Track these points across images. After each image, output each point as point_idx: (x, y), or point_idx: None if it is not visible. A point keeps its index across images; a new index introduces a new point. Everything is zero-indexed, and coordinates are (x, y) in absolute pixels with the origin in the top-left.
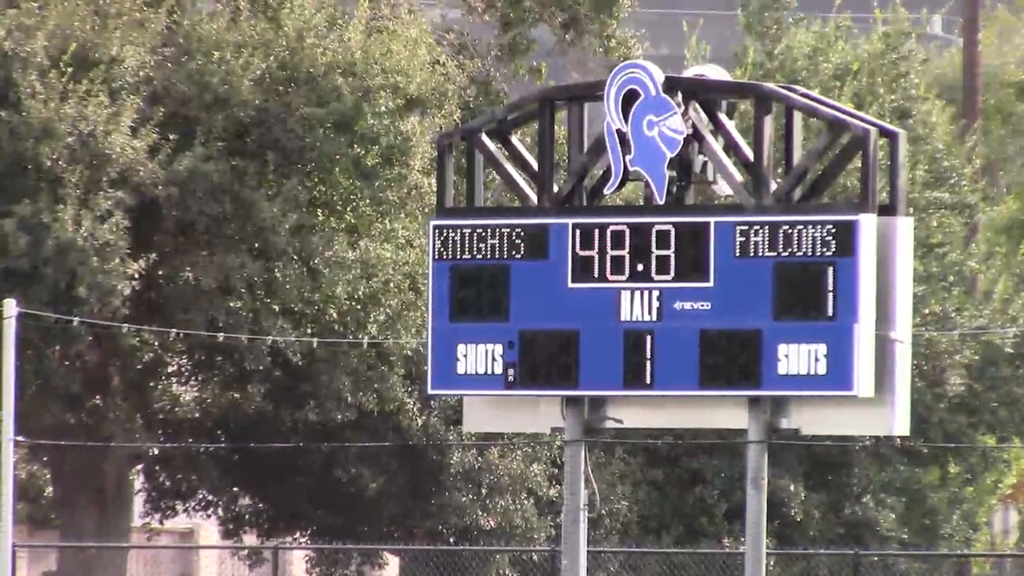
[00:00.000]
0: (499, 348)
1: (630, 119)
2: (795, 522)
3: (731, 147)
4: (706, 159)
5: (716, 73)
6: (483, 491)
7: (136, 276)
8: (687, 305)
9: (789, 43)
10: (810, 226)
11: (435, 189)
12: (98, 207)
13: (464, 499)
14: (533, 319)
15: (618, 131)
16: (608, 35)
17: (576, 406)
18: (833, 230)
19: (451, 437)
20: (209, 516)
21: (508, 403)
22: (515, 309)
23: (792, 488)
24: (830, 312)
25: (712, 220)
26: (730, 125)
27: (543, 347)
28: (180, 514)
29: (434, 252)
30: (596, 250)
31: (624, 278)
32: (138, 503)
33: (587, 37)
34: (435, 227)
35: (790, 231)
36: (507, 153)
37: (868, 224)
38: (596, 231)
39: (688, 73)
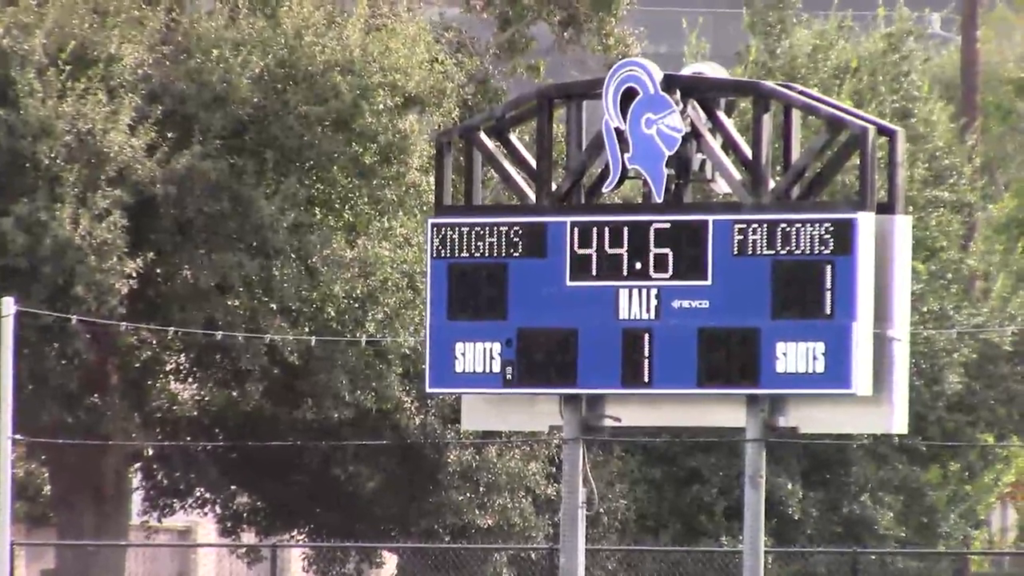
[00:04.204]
0: (497, 346)
1: (628, 117)
2: (793, 520)
3: (729, 145)
4: (704, 157)
5: (715, 71)
6: (481, 489)
7: (134, 274)
8: (685, 303)
9: (791, 41)
10: (808, 224)
11: (433, 187)
12: (96, 205)
13: (462, 497)
14: (531, 317)
15: (616, 129)
16: (607, 33)
17: (574, 404)
18: (831, 228)
19: (449, 435)
20: (207, 514)
21: (506, 401)
22: (513, 307)
23: (790, 486)
24: (828, 310)
25: (710, 218)
26: (729, 123)
27: (541, 345)
28: (178, 512)
29: (432, 250)
30: (594, 248)
31: (622, 276)
32: (136, 501)
33: (586, 35)
34: (433, 225)
35: (788, 229)
36: (505, 151)
37: (866, 222)
38: (594, 229)
39: (687, 71)
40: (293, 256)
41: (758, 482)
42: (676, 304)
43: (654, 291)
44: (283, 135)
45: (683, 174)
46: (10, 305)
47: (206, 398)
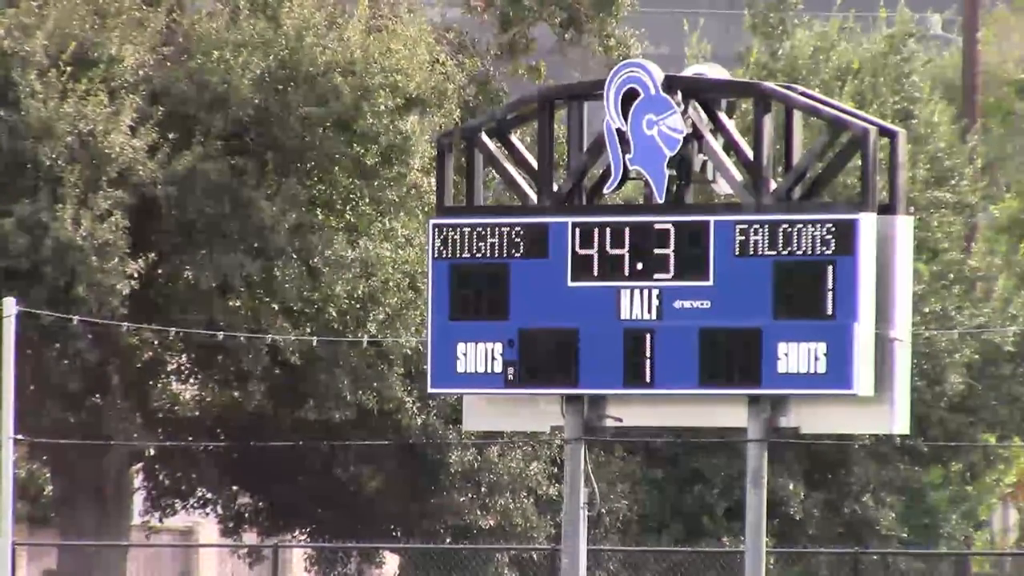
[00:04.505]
0: (499, 347)
1: (630, 118)
2: (795, 521)
3: (731, 146)
4: (706, 158)
5: (716, 72)
6: (483, 490)
7: (135, 275)
8: (687, 304)
9: (792, 43)
10: (810, 225)
11: (435, 188)
12: (97, 206)
13: (463, 498)
14: (533, 318)
15: (618, 130)
16: (608, 34)
17: (576, 404)
18: (833, 229)
19: (451, 436)
20: (208, 514)
21: (508, 401)
22: (515, 308)
23: (792, 487)
24: (830, 311)
25: (712, 219)
26: (730, 124)
27: (543, 346)
28: (179, 512)
29: (434, 251)
30: (596, 249)
31: (624, 277)
32: (138, 501)
33: (587, 36)
34: (435, 226)
35: (790, 230)
36: (507, 152)
37: (868, 223)
38: (596, 230)
39: (688, 72)
40: (294, 257)
41: (760, 482)
42: (678, 304)
43: (655, 291)
44: (284, 136)
45: (684, 175)
46: (11, 306)
47: (207, 398)
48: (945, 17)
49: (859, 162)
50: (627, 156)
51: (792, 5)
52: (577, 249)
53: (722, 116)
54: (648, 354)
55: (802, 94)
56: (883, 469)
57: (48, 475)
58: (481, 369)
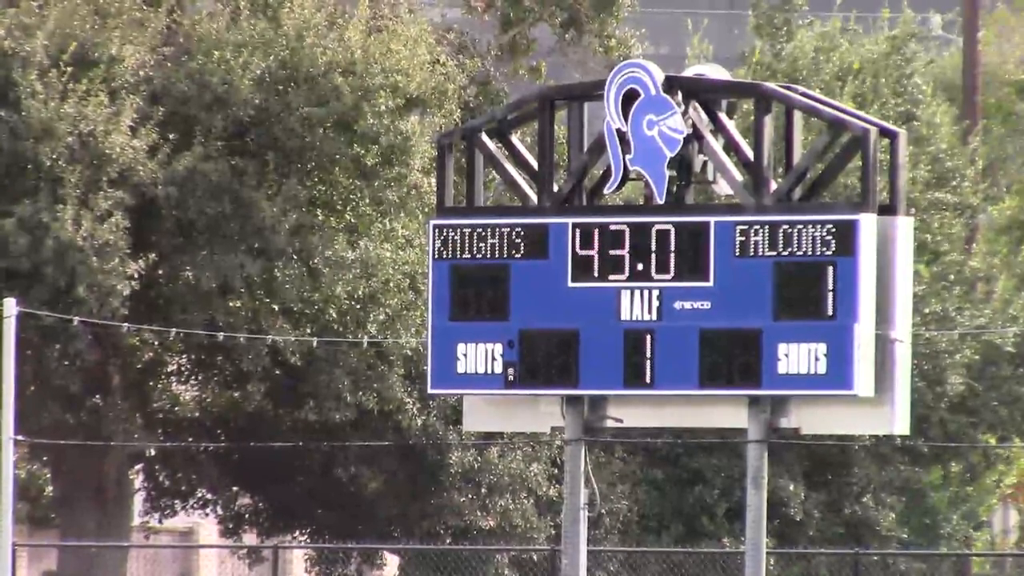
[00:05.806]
0: (499, 347)
1: (630, 118)
2: (795, 521)
3: (731, 147)
4: (706, 159)
5: (716, 72)
6: (483, 491)
7: (136, 276)
8: (687, 305)
9: (795, 43)
10: (810, 226)
11: (435, 189)
12: (98, 207)
13: (463, 499)
14: (533, 318)
15: (618, 131)
16: (608, 34)
17: (576, 405)
18: (833, 229)
19: (451, 437)
20: (208, 515)
21: (508, 402)
22: (515, 308)
23: (792, 487)
24: (830, 311)
25: (712, 220)
26: (730, 125)
27: (543, 346)
28: (180, 513)
29: (434, 252)
30: (596, 249)
31: (624, 278)
32: (138, 502)
33: (587, 36)
34: (435, 227)
35: (790, 231)
36: (507, 153)
37: (868, 224)
38: (596, 231)
39: (688, 72)
40: (295, 257)
41: (760, 483)
42: (678, 305)
43: (656, 292)
44: (284, 136)
45: (685, 175)
46: (12, 306)
47: (208, 399)
48: (946, 18)
49: (859, 163)
50: (627, 156)
51: (798, 6)
52: (577, 250)
53: (722, 116)
54: (648, 355)
55: (802, 95)
56: (883, 470)
57: (48, 476)
58: (481, 370)
